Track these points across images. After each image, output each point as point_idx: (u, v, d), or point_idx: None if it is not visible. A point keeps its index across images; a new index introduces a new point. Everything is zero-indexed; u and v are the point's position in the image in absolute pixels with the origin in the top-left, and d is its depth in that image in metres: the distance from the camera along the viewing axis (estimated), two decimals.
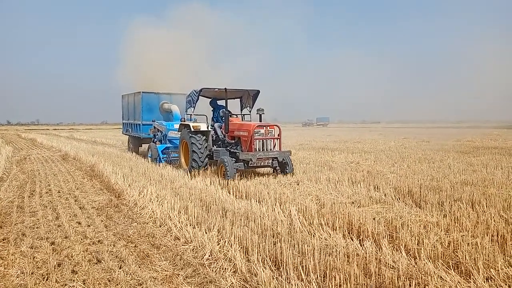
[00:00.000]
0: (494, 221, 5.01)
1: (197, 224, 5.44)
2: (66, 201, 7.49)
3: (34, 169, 12.13)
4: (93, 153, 15.64)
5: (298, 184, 8.05)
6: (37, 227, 5.68)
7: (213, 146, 10.46)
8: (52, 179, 10.19)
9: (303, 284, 3.52)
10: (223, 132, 10.34)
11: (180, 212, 6.01)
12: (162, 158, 12.59)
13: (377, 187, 7.53)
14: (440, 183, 7.74)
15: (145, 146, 16.92)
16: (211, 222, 5.37)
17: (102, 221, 5.98)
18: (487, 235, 4.52)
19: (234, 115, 11.11)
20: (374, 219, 5.30)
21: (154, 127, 14.57)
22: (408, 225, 4.98)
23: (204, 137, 10.18)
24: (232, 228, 4.97)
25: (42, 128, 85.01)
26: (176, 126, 12.69)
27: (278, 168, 9.52)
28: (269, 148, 9.34)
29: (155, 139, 14.39)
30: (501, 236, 4.48)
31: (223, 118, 10.41)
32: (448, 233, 4.69)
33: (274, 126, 9.51)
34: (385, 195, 6.88)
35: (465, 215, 5.32)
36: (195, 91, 10.61)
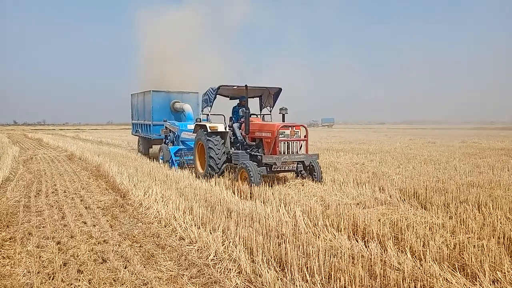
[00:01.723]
0: (501, 223, 4.97)
1: (202, 225, 5.45)
2: (72, 201, 7.53)
3: (40, 169, 12.21)
4: (98, 153, 15.72)
5: (303, 185, 8.03)
6: (43, 227, 5.72)
7: (231, 148, 9.68)
8: (58, 179, 10.26)
9: (307, 285, 3.52)
10: (243, 133, 9.50)
11: (185, 213, 6.03)
12: (175, 161, 11.88)
13: (382, 189, 7.51)
14: (446, 185, 7.69)
15: (155, 148, 16.42)
16: (216, 222, 5.37)
17: (108, 221, 6.01)
18: (493, 237, 4.49)
19: (254, 115, 10.30)
20: (379, 220, 5.28)
21: (166, 127, 13.93)
22: (413, 226, 4.95)
23: (222, 139, 9.49)
24: (236, 229, 4.98)
25: (48, 128, 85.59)
26: (190, 126, 12.19)
27: (303, 172, 8.74)
28: (294, 151, 8.53)
29: (167, 141, 13.72)
30: (507, 239, 4.45)
31: (242, 117, 9.66)
32: (454, 235, 4.66)
33: (300, 127, 8.70)
34: (390, 196, 6.85)
35: (471, 217, 5.28)
36: (212, 89, 9.83)
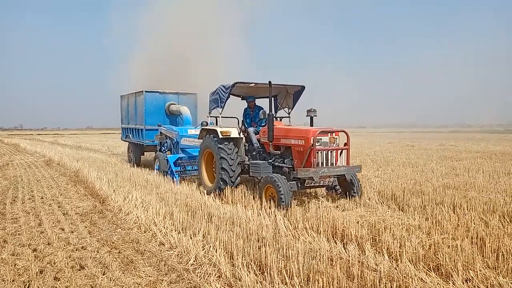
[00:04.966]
0: (474, 223, 5.13)
1: (182, 230, 5.43)
2: (49, 207, 7.38)
3: (16, 175, 11.91)
4: (77, 158, 15.45)
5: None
6: (19, 234, 5.58)
7: (245, 157, 8.26)
8: (35, 185, 10.03)
9: (286, 287, 3.55)
10: (261, 141, 8.01)
11: (165, 218, 5.99)
12: (176, 172, 10.11)
13: (361, 191, 7.61)
14: (423, 187, 7.88)
15: (147, 155, 15.27)
16: (197, 227, 5.36)
17: (86, 227, 5.92)
18: (467, 238, 4.63)
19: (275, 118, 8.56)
20: (357, 222, 5.37)
21: (161, 133, 12.17)
22: (390, 228, 5.06)
23: (236, 146, 8.04)
24: (217, 233, 4.98)
25: (25, 133, 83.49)
26: (191, 131, 10.84)
27: (338, 188, 7.36)
28: (333, 163, 6.97)
29: (163, 148, 12.03)
30: (480, 239, 4.59)
31: (261, 121, 8.51)
32: (429, 236, 4.78)
33: (339, 133, 7.12)
34: (369, 199, 6.98)
35: (446, 218, 5.43)
36: (224, 86, 8.26)
